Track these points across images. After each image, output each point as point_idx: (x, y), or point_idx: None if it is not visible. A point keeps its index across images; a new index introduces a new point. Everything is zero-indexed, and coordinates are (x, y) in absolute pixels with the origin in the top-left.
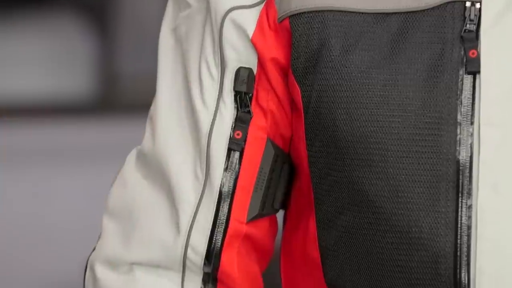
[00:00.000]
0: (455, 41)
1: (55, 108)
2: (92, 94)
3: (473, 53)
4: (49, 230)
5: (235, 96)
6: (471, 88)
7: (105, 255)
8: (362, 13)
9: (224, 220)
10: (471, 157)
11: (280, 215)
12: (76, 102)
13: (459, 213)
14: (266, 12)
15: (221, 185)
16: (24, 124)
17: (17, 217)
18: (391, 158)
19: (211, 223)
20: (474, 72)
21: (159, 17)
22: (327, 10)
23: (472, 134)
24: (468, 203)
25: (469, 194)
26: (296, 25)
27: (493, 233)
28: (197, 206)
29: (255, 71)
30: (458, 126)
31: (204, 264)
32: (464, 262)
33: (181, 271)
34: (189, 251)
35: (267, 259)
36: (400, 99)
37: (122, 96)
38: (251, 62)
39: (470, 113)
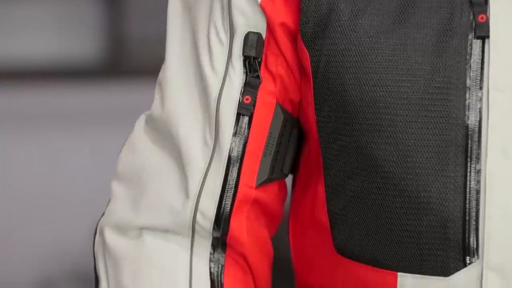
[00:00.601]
0: (464, 6)
1: (62, 71)
2: (100, 58)
3: (482, 18)
4: (56, 195)
5: (244, 61)
6: (480, 53)
7: (114, 220)
8: None
9: (233, 185)
10: (480, 122)
11: (289, 180)
12: (84, 66)
13: (468, 178)
14: None
15: (230, 150)
16: (31, 88)
17: (25, 182)
18: (400, 123)
19: (220, 188)
20: (483, 36)
21: None
22: None
23: (481, 99)
24: (477, 168)
25: (478, 159)
26: None
27: (502, 198)
28: (206, 171)
29: (264, 36)
30: (467, 91)
31: (213, 228)
32: (472, 227)
33: (190, 236)
34: (198, 215)
35: (276, 224)
36: (409, 63)
37: (129, 60)
38: (260, 27)
39: (479, 78)
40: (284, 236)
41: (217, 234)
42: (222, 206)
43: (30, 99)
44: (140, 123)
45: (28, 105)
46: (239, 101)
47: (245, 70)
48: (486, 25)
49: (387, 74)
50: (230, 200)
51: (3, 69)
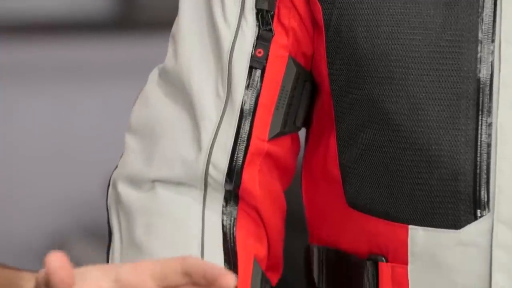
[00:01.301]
0: None
1: (73, 24)
2: (112, 10)
3: None
4: (68, 149)
5: (257, 14)
6: (492, 6)
7: (127, 172)
8: None
9: (246, 138)
10: (491, 75)
11: (303, 134)
12: (95, 18)
13: (479, 131)
14: None
15: (242, 102)
16: (42, 41)
17: (36, 136)
18: (411, 76)
19: (233, 141)
20: None
21: None
22: None
23: (492, 52)
24: (488, 121)
25: (489, 112)
26: None
27: None
28: (218, 124)
29: None
30: (479, 44)
31: (226, 181)
32: (483, 180)
33: (203, 189)
34: (210, 168)
35: (289, 177)
36: (421, 16)
37: (142, 12)
38: None
39: (491, 31)
40: (297, 190)
41: (230, 187)
42: (235, 159)
43: (40, 52)
44: (154, 76)
45: (39, 59)
46: (252, 54)
47: (257, 23)
48: None
49: (399, 27)
50: (243, 153)
51: (12, 22)
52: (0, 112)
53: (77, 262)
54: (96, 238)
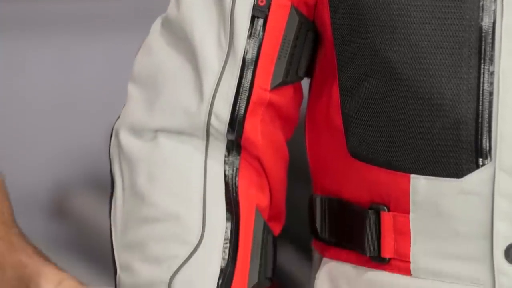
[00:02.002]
0: None
1: None
2: None
3: None
4: (71, 99)
5: None
6: None
7: (129, 122)
8: None
9: (248, 87)
10: (494, 23)
11: (306, 84)
12: None
13: (481, 79)
14: None
15: (244, 52)
16: None
17: (41, 87)
18: (414, 25)
19: (235, 90)
20: None
21: None
22: None
23: (495, 1)
24: (490, 70)
25: (491, 60)
26: None
27: None
28: (220, 73)
29: None
30: None
31: (228, 131)
32: (485, 129)
33: (205, 139)
34: (212, 118)
35: (292, 127)
36: None
37: None
38: None
39: None
40: (300, 140)
41: (232, 137)
42: (237, 109)
43: (44, 5)
44: (156, 26)
45: (43, 11)
46: (254, 3)
47: None
48: None
49: None
50: (245, 103)
51: None
52: (4, 64)
53: (80, 213)
54: (99, 189)
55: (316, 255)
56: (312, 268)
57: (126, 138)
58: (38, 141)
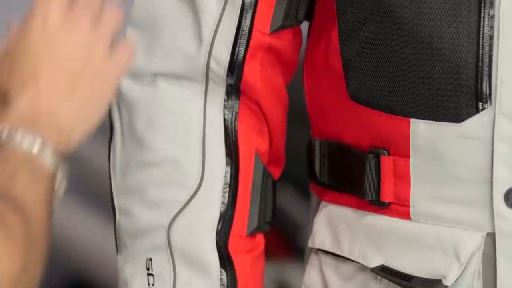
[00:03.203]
0: None
1: None
2: None
3: None
4: None
5: None
6: None
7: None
8: None
9: (247, 31)
10: None
11: (305, 28)
12: None
13: (481, 23)
14: None
15: None
16: None
17: None
18: None
19: (234, 34)
20: None
21: None
22: None
23: None
24: (491, 13)
25: (492, 4)
26: None
27: None
28: (219, 17)
29: None
30: None
31: (227, 75)
32: (485, 73)
33: (204, 83)
34: (211, 62)
35: (291, 71)
36: None
37: None
38: None
39: None
40: (299, 83)
41: (231, 81)
42: (236, 53)
43: None
44: None
45: None
46: None
47: None
48: None
49: None
50: (244, 47)
51: None
52: None
53: (80, 155)
54: (98, 130)
55: (314, 198)
56: (310, 211)
57: (125, 82)
58: None
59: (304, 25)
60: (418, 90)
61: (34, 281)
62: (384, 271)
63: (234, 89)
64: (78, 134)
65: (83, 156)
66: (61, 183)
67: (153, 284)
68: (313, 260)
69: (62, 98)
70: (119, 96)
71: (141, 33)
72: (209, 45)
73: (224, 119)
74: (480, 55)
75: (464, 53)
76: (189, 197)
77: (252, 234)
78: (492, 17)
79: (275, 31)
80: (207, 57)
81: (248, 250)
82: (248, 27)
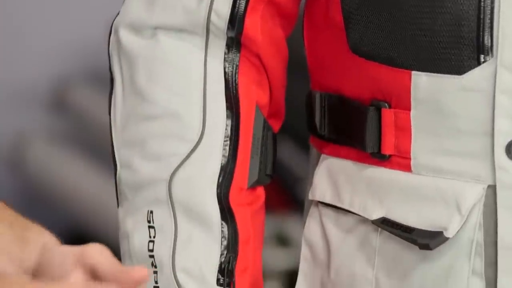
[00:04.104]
0: None
1: None
2: None
3: None
4: None
5: None
6: None
7: (129, 19)
8: None
9: None
10: None
11: None
12: None
13: None
14: None
15: None
16: None
17: None
18: None
19: None
20: None
21: None
22: None
23: None
24: None
25: None
26: None
27: None
28: None
29: None
30: None
31: (228, 28)
32: (487, 25)
33: (205, 36)
34: (212, 14)
35: (292, 24)
36: None
37: None
38: None
39: None
40: (299, 36)
41: (232, 34)
42: (237, 5)
43: None
44: None
45: None
46: None
47: None
48: None
49: None
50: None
51: None
52: None
53: (80, 107)
54: (100, 83)
55: (313, 152)
56: (310, 164)
57: (126, 35)
58: (39, 33)
59: None
60: (419, 43)
61: None
62: (385, 223)
63: (234, 42)
64: None
65: (84, 109)
66: None
67: (154, 237)
68: (313, 213)
69: None
70: (120, 49)
71: None
72: None
73: (225, 72)
74: (482, 7)
75: (466, 5)
76: (189, 150)
77: (252, 187)
78: None
79: None
80: (208, 10)
81: (249, 203)
82: None
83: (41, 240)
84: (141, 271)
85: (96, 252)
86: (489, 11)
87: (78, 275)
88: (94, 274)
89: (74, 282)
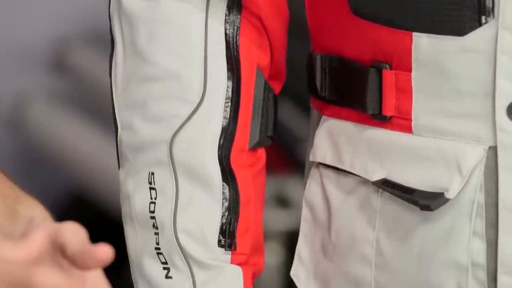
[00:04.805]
0: None
1: None
2: None
3: None
4: None
5: None
6: None
7: None
8: None
9: None
10: None
11: None
12: None
13: None
14: None
15: None
16: None
17: None
18: None
19: None
20: None
21: None
22: None
23: None
24: None
25: None
26: None
27: None
28: None
29: None
30: None
31: None
32: None
33: None
34: None
35: None
36: None
37: None
38: None
39: None
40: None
41: None
42: None
43: None
44: None
45: None
46: None
47: None
48: None
49: None
50: None
51: None
52: None
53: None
54: (100, 44)
55: (314, 113)
56: (311, 126)
57: None
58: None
59: None
60: (420, 4)
61: None
62: (385, 185)
63: (235, 4)
64: None
65: (84, 70)
66: None
67: (155, 198)
68: (314, 174)
69: None
70: (120, 10)
71: None
72: None
73: (226, 34)
74: None
75: None
76: (190, 112)
77: (253, 149)
78: None
79: None
80: None
81: (250, 164)
82: None
83: (31, 214)
84: (106, 250)
85: (69, 231)
86: None
87: (39, 238)
88: (63, 253)
89: (32, 242)
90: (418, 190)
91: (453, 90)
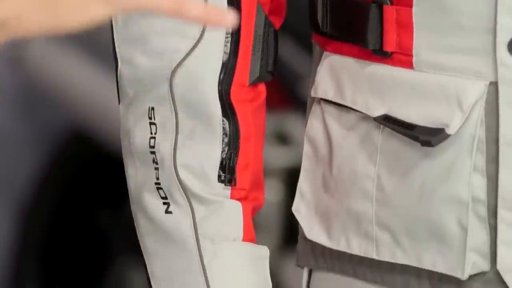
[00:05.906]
0: None
1: None
2: None
3: None
4: None
5: None
6: None
7: None
8: None
9: None
10: None
11: None
12: None
13: None
14: None
15: None
16: None
17: None
18: None
19: None
20: None
21: None
22: None
23: None
24: None
25: None
26: None
27: None
28: None
29: None
30: None
31: None
32: None
33: None
34: None
35: None
36: None
37: None
38: None
39: None
40: None
41: None
42: None
43: None
44: None
45: None
46: None
47: None
48: None
49: None
50: None
51: None
52: None
53: None
54: None
55: (316, 49)
56: (312, 62)
57: None
58: None
59: None
60: None
61: None
62: (386, 120)
63: None
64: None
65: None
66: None
67: (155, 133)
68: (315, 110)
69: None
70: None
71: None
72: None
73: None
74: None
75: None
76: (191, 47)
77: (254, 84)
78: None
79: None
80: None
81: (250, 100)
82: None
83: None
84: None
85: None
86: None
87: None
88: None
89: None
90: (419, 126)
91: (454, 25)
